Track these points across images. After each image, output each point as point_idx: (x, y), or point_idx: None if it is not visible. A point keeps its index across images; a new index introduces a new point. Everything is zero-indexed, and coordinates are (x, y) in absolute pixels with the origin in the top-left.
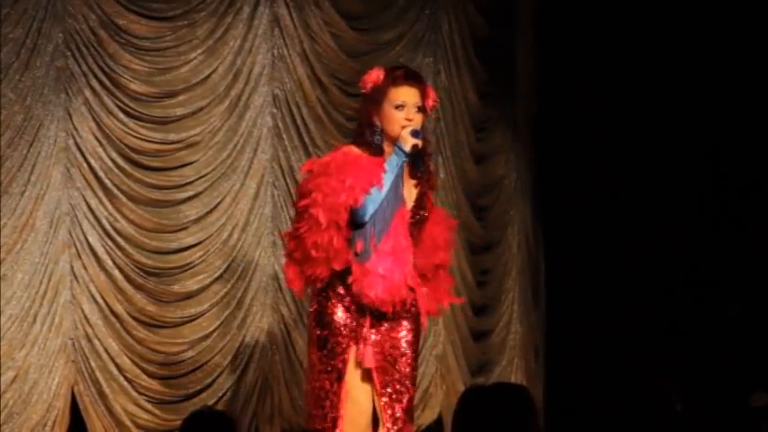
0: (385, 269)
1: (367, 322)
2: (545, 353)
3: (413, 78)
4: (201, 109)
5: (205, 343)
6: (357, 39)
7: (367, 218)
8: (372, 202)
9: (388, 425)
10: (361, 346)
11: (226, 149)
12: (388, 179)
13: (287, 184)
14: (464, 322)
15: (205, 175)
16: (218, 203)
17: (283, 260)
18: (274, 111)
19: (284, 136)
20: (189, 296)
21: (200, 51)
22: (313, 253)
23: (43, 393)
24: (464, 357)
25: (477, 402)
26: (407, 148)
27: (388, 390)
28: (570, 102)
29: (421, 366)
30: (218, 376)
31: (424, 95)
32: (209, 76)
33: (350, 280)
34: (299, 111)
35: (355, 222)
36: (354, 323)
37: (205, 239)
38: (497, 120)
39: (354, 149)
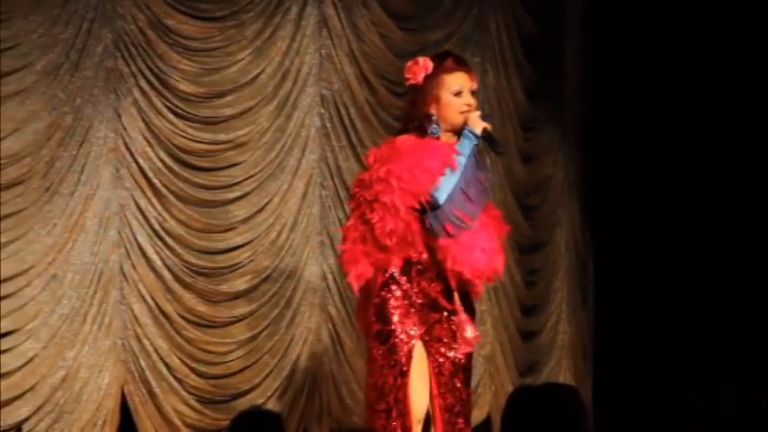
0: (481, 243)
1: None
2: (593, 353)
3: (464, 63)
4: (250, 109)
5: (254, 343)
6: (405, 39)
7: (442, 201)
8: (447, 184)
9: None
10: (459, 320)
11: (274, 150)
12: (461, 162)
13: (335, 184)
14: (512, 322)
15: (253, 175)
16: (267, 203)
17: (342, 251)
18: (322, 111)
19: (332, 136)
20: (237, 296)
21: (248, 52)
22: (387, 242)
23: (93, 393)
24: (512, 357)
25: (526, 403)
26: (478, 130)
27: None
28: (619, 101)
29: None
30: (266, 376)
31: (473, 80)
32: (257, 76)
33: (443, 259)
34: (347, 111)
35: (432, 205)
36: (417, 316)
37: (253, 239)
38: (545, 119)
39: (414, 137)
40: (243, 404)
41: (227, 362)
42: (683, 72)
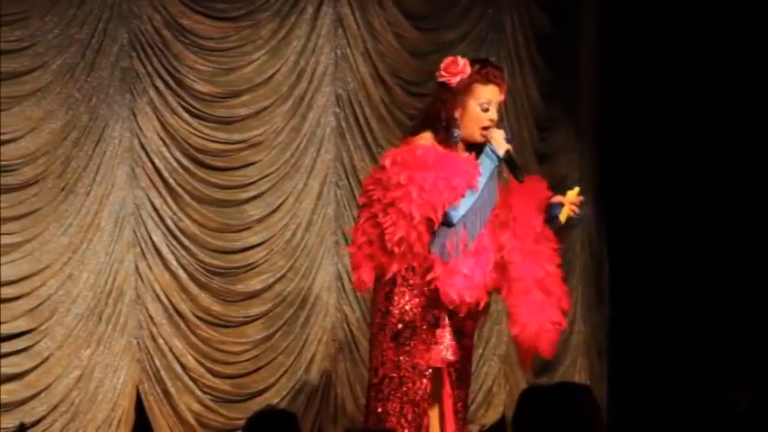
0: (468, 269)
1: (443, 316)
2: (608, 352)
3: (499, 77)
4: (265, 109)
5: (269, 342)
6: (420, 38)
7: (457, 219)
8: (465, 204)
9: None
10: (443, 338)
11: (289, 149)
12: (480, 182)
13: (350, 184)
14: None
15: (268, 174)
16: (282, 203)
17: (350, 253)
18: (337, 110)
19: (347, 136)
20: (253, 295)
21: (263, 51)
22: (395, 249)
23: (108, 392)
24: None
25: (536, 402)
26: (501, 152)
27: (458, 390)
28: (635, 100)
29: (484, 366)
30: (281, 375)
31: (503, 92)
32: (272, 76)
33: (430, 277)
34: (362, 110)
35: (446, 222)
36: (430, 316)
37: (268, 239)
38: (561, 119)
39: (436, 144)
40: (258, 403)
41: (242, 361)
42: (699, 70)
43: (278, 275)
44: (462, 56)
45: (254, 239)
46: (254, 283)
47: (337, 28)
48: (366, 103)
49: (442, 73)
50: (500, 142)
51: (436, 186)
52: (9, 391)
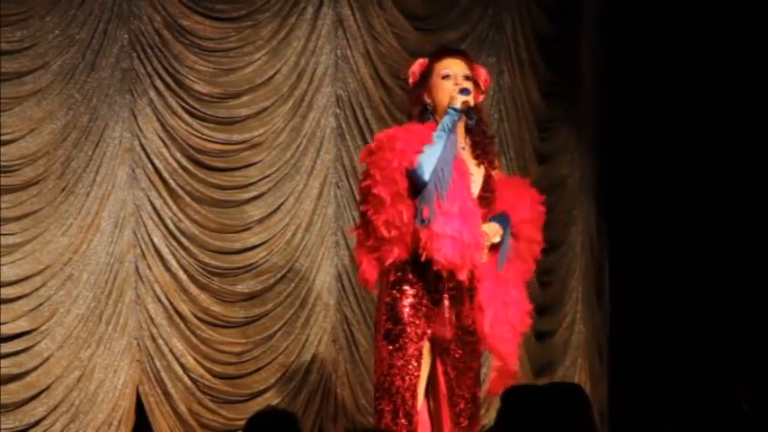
0: (453, 230)
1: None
2: (609, 353)
3: (454, 50)
4: (265, 109)
5: (269, 343)
6: (420, 39)
7: (426, 176)
8: (428, 158)
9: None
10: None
11: (289, 150)
12: (439, 137)
13: (350, 185)
14: None
15: (269, 175)
16: (282, 204)
17: (355, 252)
18: (337, 111)
19: (347, 136)
20: (253, 296)
21: (263, 52)
22: (385, 233)
23: (109, 393)
24: (527, 357)
25: (521, 402)
26: (458, 104)
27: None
28: (635, 101)
29: (483, 367)
30: (281, 376)
31: (470, 66)
32: (272, 76)
33: (420, 248)
34: (363, 111)
35: (415, 184)
36: (427, 315)
37: (269, 240)
38: (562, 119)
39: (416, 125)
40: (258, 404)
41: (242, 362)
42: (700, 71)
43: (278, 276)
44: None
45: (254, 240)
46: (255, 284)
47: (337, 29)
48: (366, 103)
49: (409, 77)
50: (455, 97)
51: (388, 160)
52: (9, 392)
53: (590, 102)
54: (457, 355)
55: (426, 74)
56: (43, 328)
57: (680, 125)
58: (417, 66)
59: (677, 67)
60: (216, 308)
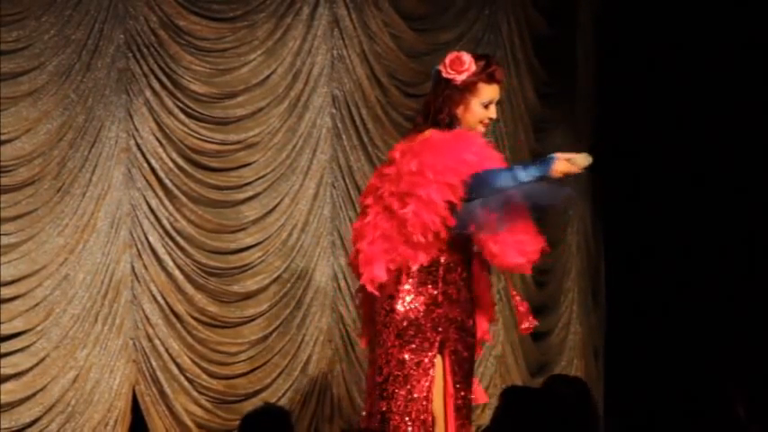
0: (515, 235)
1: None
2: (605, 354)
3: (503, 75)
4: (261, 110)
5: (265, 343)
6: (416, 39)
7: (497, 184)
8: (508, 174)
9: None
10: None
11: (285, 150)
12: (527, 174)
13: (346, 185)
14: None
15: (264, 175)
16: (278, 204)
17: (360, 249)
18: (333, 111)
19: (343, 136)
20: (248, 296)
21: (259, 52)
22: (420, 238)
23: (105, 393)
24: (523, 358)
25: (518, 401)
26: (558, 169)
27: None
28: (631, 101)
29: (480, 367)
30: (277, 376)
31: (503, 90)
32: (268, 76)
33: (486, 254)
34: (359, 111)
35: (481, 188)
36: (440, 321)
37: (264, 240)
38: (557, 120)
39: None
40: (254, 404)
41: (239, 362)
42: (696, 71)
43: (274, 276)
44: None
45: (250, 240)
46: (251, 284)
47: (333, 29)
48: (362, 103)
49: (448, 70)
50: (577, 162)
51: (447, 165)
52: (5, 392)
53: (586, 102)
54: (465, 355)
55: (467, 86)
56: (39, 328)
57: (675, 126)
58: (463, 67)
59: (673, 68)
60: (212, 308)
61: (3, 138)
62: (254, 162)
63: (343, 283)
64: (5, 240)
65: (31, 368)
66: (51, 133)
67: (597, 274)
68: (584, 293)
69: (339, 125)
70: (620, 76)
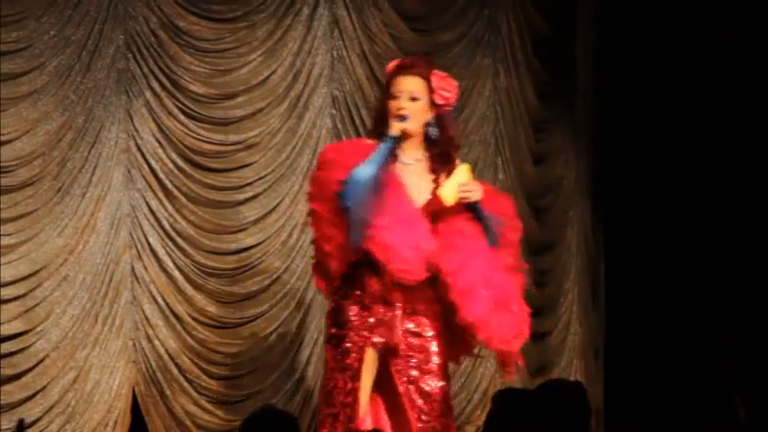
0: (398, 238)
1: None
2: (605, 354)
3: (407, 67)
4: (261, 110)
5: (265, 343)
6: (416, 40)
7: (348, 201)
8: (352, 183)
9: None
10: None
11: (285, 150)
12: (370, 162)
13: None
14: None
15: (264, 176)
16: (278, 204)
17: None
18: (333, 112)
19: (343, 137)
20: (248, 297)
21: (259, 53)
22: (326, 247)
23: (104, 394)
24: (523, 358)
25: (512, 404)
26: (393, 132)
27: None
28: (631, 102)
29: (480, 367)
30: (277, 376)
31: (427, 84)
32: (268, 77)
33: (375, 261)
34: (359, 111)
35: (341, 206)
36: (369, 321)
37: (264, 240)
38: (557, 120)
39: (363, 142)
40: (254, 405)
41: (238, 363)
42: (696, 71)
43: (274, 277)
44: (457, 58)
45: (249, 241)
46: (250, 285)
47: (333, 29)
48: (362, 104)
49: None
50: (392, 124)
51: (327, 179)
52: (5, 393)
53: (586, 102)
54: (414, 359)
55: (386, 87)
56: (39, 328)
57: (675, 125)
58: (386, 69)
59: (673, 67)
60: (212, 308)
61: (3, 138)
62: (254, 163)
63: None
64: (5, 241)
65: (30, 369)
66: (51, 134)
67: (597, 274)
68: (583, 294)
69: (339, 126)
70: (619, 75)
